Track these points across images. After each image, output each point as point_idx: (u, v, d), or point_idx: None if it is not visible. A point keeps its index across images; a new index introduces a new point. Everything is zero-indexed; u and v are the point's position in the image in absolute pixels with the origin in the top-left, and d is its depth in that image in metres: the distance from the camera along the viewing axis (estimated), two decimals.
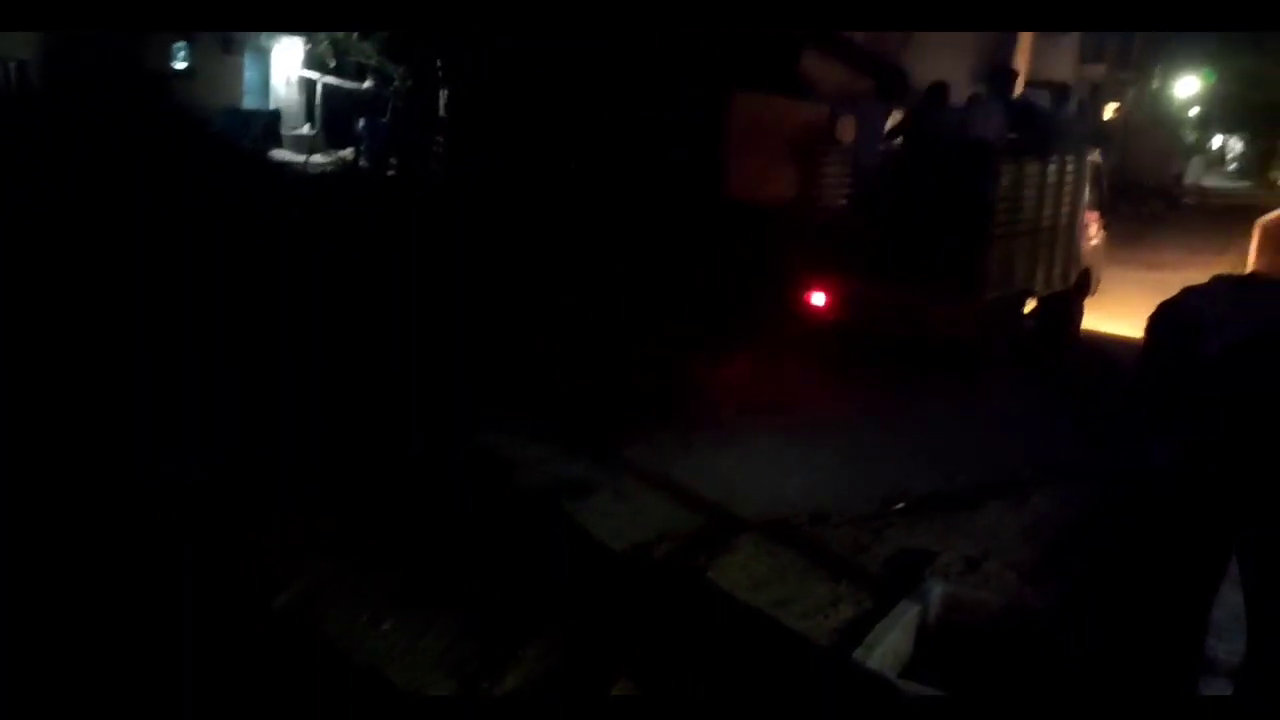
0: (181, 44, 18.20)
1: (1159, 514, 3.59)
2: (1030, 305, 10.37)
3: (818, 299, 9.20)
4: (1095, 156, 10.87)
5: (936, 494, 6.43)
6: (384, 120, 17.88)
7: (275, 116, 19.74)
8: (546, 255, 10.33)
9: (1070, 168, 10.01)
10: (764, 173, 11.03)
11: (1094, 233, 11.18)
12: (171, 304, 7.30)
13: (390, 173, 16.19)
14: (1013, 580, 5.04)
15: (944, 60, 20.93)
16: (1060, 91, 11.89)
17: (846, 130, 10.89)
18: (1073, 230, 10.30)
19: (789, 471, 6.70)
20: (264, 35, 19.65)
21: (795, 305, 9.24)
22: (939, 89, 10.11)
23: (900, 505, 6.20)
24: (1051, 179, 9.72)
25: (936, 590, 4.71)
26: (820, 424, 7.75)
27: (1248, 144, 44.34)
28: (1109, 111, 32.04)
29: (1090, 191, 10.58)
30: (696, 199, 11.71)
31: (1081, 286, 10.96)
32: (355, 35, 18.05)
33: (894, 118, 10.87)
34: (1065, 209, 10.06)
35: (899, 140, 10.25)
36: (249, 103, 19.91)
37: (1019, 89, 12.24)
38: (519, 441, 6.71)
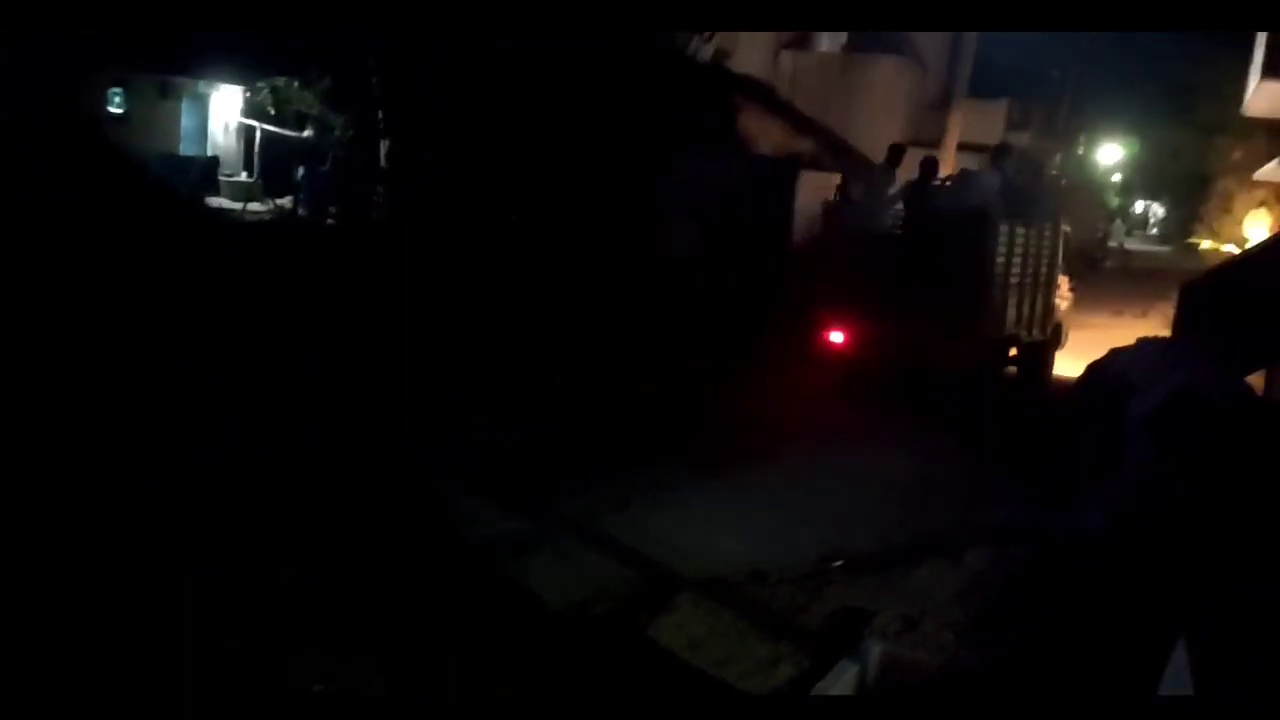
0: (118, 89, 17.98)
1: (1100, 580, 3.65)
2: (1013, 351, 11.65)
3: (837, 337, 10.83)
4: (1066, 227, 12.37)
5: (873, 553, 6.47)
6: (324, 169, 17.80)
7: (213, 163, 19.52)
8: (483, 308, 10.32)
9: (1048, 235, 11.65)
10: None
11: (1065, 293, 12.67)
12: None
13: (330, 221, 16.08)
14: (950, 641, 5.07)
15: (879, 122, 21.50)
16: (1037, 168, 14.45)
17: (858, 193, 12.26)
18: (1050, 289, 11.83)
19: (727, 529, 6.70)
20: (202, 82, 19.50)
21: (816, 343, 10.92)
22: (931, 163, 12.02)
23: (838, 564, 6.22)
24: (1034, 243, 11.28)
25: (875, 650, 4.72)
26: (757, 481, 7.79)
27: (1169, 209, 46.02)
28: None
29: (1061, 256, 12.09)
30: (633, 259, 11.87)
31: (1055, 338, 12.45)
32: (297, 84, 18.00)
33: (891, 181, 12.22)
34: (1044, 270, 11.58)
35: (900, 205, 11.50)
36: (186, 149, 19.69)
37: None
38: (457, 498, 6.63)
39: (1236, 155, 29.96)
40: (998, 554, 6.46)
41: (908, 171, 12.17)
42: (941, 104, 20.94)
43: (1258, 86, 15.41)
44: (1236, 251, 25.40)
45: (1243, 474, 6.18)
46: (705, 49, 17.99)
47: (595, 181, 14.00)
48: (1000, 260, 10.65)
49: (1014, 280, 10.98)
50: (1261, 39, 15.28)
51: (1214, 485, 6.21)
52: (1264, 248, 15.06)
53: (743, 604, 5.49)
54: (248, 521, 5.65)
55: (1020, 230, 11.00)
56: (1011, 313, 11.07)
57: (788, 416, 9.54)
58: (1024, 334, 11.42)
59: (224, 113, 20.54)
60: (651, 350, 10.00)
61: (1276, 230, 20.16)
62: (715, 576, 5.82)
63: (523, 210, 13.76)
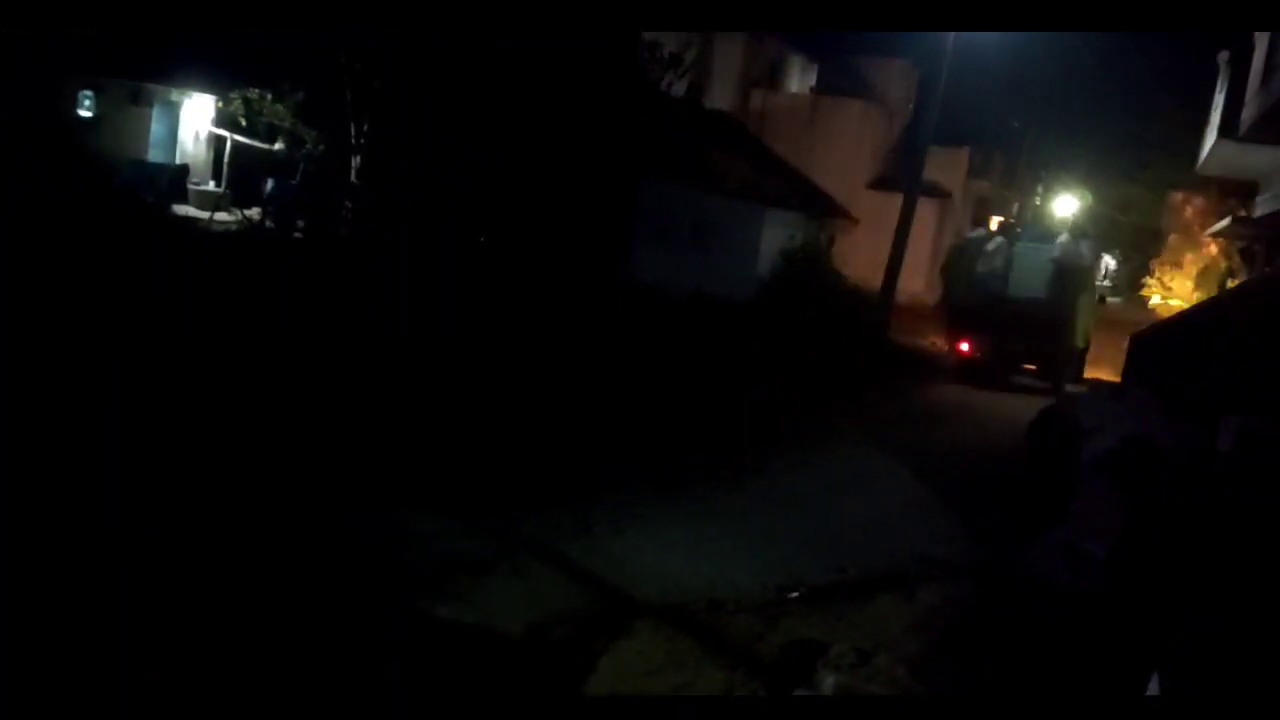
0: (89, 92, 17.82)
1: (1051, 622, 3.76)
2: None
3: (965, 347, 16.86)
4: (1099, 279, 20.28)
5: (830, 584, 6.57)
6: (293, 182, 17.75)
7: (182, 171, 19.36)
8: (450, 323, 10.33)
9: (1092, 281, 18.13)
10: None
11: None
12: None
13: (297, 234, 16.03)
14: (902, 675, 5.15)
15: (846, 163, 21.86)
16: (1082, 234, 19.40)
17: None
18: (1090, 314, 17.80)
19: (688, 554, 6.77)
20: (174, 89, 19.38)
21: (951, 351, 17.33)
22: (1011, 227, 19.79)
23: (795, 594, 6.31)
24: (1090, 287, 17.65)
25: (828, 682, 4.80)
26: (718, 506, 7.88)
27: (1121, 261, 46.96)
28: (993, 223, 33.73)
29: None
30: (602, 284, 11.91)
31: (1088, 346, 18.22)
32: (270, 96, 17.97)
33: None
34: (1089, 302, 17.70)
35: (998, 259, 17.05)
36: (155, 155, 19.52)
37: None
38: (416, 516, 6.63)
39: (1188, 212, 30.75)
40: (950, 590, 6.58)
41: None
42: (906, 148, 21.35)
43: (1213, 146, 15.93)
44: (1183, 305, 26.11)
45: (1191, 519, 6.37)
46: (680, 84, 18.23)
47: (565, 207, 14.08)
48: (1085, 298, 17.01)
49: (1082, 310, 16.96)
50: (1219, 100, 15.82)
51: (1164, 529, 6.40)
52: (1209, 305, 15.52)
53: (701, 631, 5.55)
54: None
55: (1088, 278, 17.40)
56: (1080, 330, 17.01)
57: (750, 447, 9.67)
58: (1082, 343, 17.48)
59: (195, 121, 20.42)
60: (617, 375, 10.08)
61: (1223, 288, 20.73)
62: (675, 603, 5.87)
63: (492, 232, 13.80)
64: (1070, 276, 16.59)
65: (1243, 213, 20.18)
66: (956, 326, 17.15)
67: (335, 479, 6.87)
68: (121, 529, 5.48)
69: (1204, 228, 27.99)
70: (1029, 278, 16.62)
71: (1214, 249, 26.35)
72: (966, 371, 16.64)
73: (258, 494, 6.38)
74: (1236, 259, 21.35)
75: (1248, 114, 13.56)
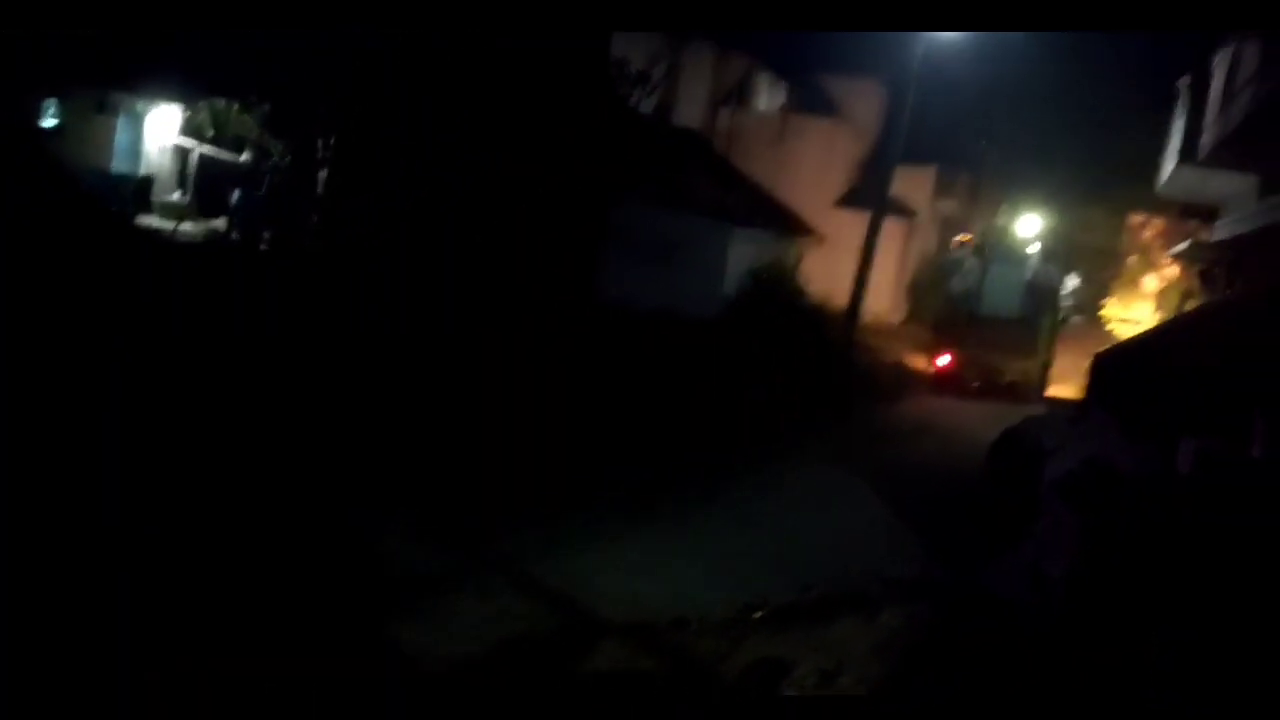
0: (52, 100, 17.59)
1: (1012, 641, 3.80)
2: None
3: (943, 361, 18.04)
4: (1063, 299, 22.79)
5: (793, 604, 6.59)
6: (259, 193, 17.60)
7: (147, 182, 19.13)
8: (417, 339, 10.28)
9: (1060, 298, 21.04)
10: None
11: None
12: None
13: (263, 246, 15.91)
14: (865, 697, 5.19)
15: (814, 181, 22.04)
16: (1050, 257, 23.19)
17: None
18: (1055, 332, 19.58)
19: (654, 573, 6.78)
20: (140, 99, 19.16)
21: (932, 364, 18.25)
22: (983, 249, 20.97)
23: (759, 614, 6.33)
24: (1055, 308, 20.33)
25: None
26: (685, 525, 7.90)
27: (1083, 281, 47.54)
28: (960, 240, 34.10)
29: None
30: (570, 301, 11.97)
31: (1052, 360, 19.32)
32: (237, 107, 17.84)
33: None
34: (1054, 321, 19.89)
35: (972, 279, 20.14)
36: (119, 166, 19.27)
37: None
38: (386, 533, 6.59)
39: (1147, 234, 31.22)
40: (912, 611, 6.62)
41: None
42: (873, 166, 21.56)
43: (1173, 171, 16.22)
44: (1142, 326, 26.59)
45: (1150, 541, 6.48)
46: (648, 101, 18.31)
47: (534, 223, 14.09)
48: (1050, 317, 19.19)
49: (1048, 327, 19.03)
50: (1179, 125, 16.12)
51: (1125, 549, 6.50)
52: (1169, 327, 15.78)
53: (665, 651, 5.55)
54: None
55: (1053, 299, 19.91)
56: (1046, 347, 18.54)
57: (717, 465, 9.71)
58: (1047, 358, 18.84)
59: (160, 131, 20.18)
60: (586, 393, 10.08)
61: (1181, 309, 21.09)
62: (639, 622, 5.88)
63: (461, 248, 13.77)
64: (1039, 296, 19.39)
65: (1203, 235, 20.55)
66: (936, 342, 18.91)
67: (306, 495, 6.82)
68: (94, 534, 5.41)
69: (1164, 249, 28.45)
70: (1001, 298, 19.18)
71: (1174, 271, 26.77)
72: (945, 383, 17.76)
73: (229, 509, 6.31)
74: (1196, 281, 21.71)
75: (1207, 139, 13.82)
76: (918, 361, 19.62)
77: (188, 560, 5.52)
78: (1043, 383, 18.41)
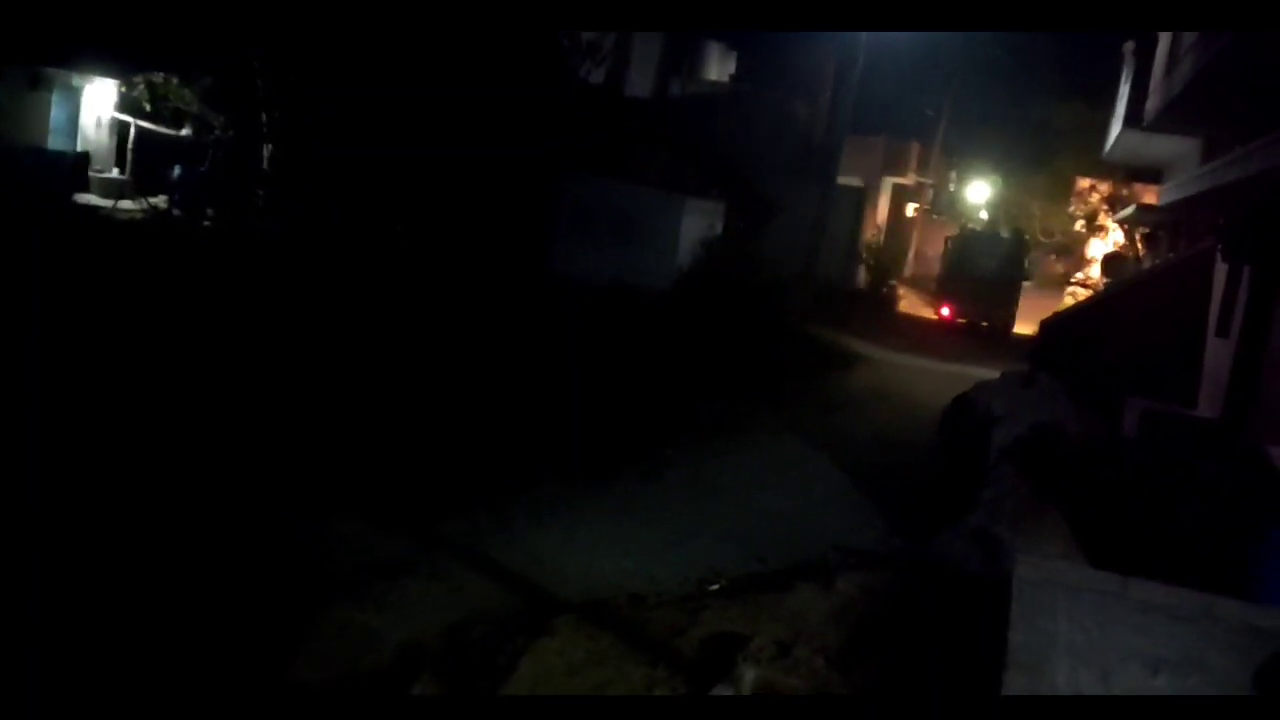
0: None
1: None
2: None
3: (945, 310, 24.63)
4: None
5: (750, 575, 6.61)
6: (201, 169, 17.24)
7: (84, 159, 18.63)
8: (368, 320, 10.14)
9: (1025, 264, 26.50)
10: None
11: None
12: None
13: (206, 223, 15.60)
14: (821, 666, 5.20)
15: (765, 151, 22.01)
16: (1015, 231, 27.89)
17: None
18: (1019, 289, 25.35)
19: (609, 549, 6.76)
20: (75, 74, 18.64)
21: (936, 312, 25.17)
22: (968, 226, 29.88)
23: (715, 586, 6.33)
24: (1027, 267, 26.75)
25: (749, 676, 4.82)
26: (640, 499, 7.88)
27: (1034, 247, 48.07)
28: (910, 209, 34.35)
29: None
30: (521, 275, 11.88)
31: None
32: (176, 81, 17.43)
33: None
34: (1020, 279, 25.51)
35: (962, 249, 25.12)
36: (55, 143, 18.75)
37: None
38: (335, 518, 6.50)
39: (1094, 199, 31.59)
40: (867, 579, 6.66)
41: None
42: (826, 136, 21.55)
43: (1119, 136, 16.38)
44: (1086, 291, 27.12)
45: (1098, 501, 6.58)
46: (597, 72, 18.13)
47: (484, 196, 13.95)
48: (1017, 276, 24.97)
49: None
50: (1124, 91, 16.27)
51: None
52: (1113, 291, 16.01)
53: (622, 627, 5.53)
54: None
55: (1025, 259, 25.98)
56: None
57: (672, 438, 9.69)
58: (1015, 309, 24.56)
59: (97, 107, 19.65)
60: (537, 367, 10.02)
61: (1117, 277, 21.44)
62: (595, 598, 5.86)
63: (408, 221, 13.60)
64: (1008, 261, 24.49)
65: (1147, 199, 20.83)
66: (940, 296, 25.50)
67: (252, 482, 6.69)
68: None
69: (1110, 214, 28.83)
70: (983, 262, 24.24)
71: (1120, 235, 27.14)
72: (946, 324, 24.47)
73: (159, 498, 6.18)
74: (1141, 245, 22.02)
75: (1152, 104, 13.94)
76: (926, 311, 26.58)
77: (116, 553, 5.41)
78: (1010, 325, 24.19)
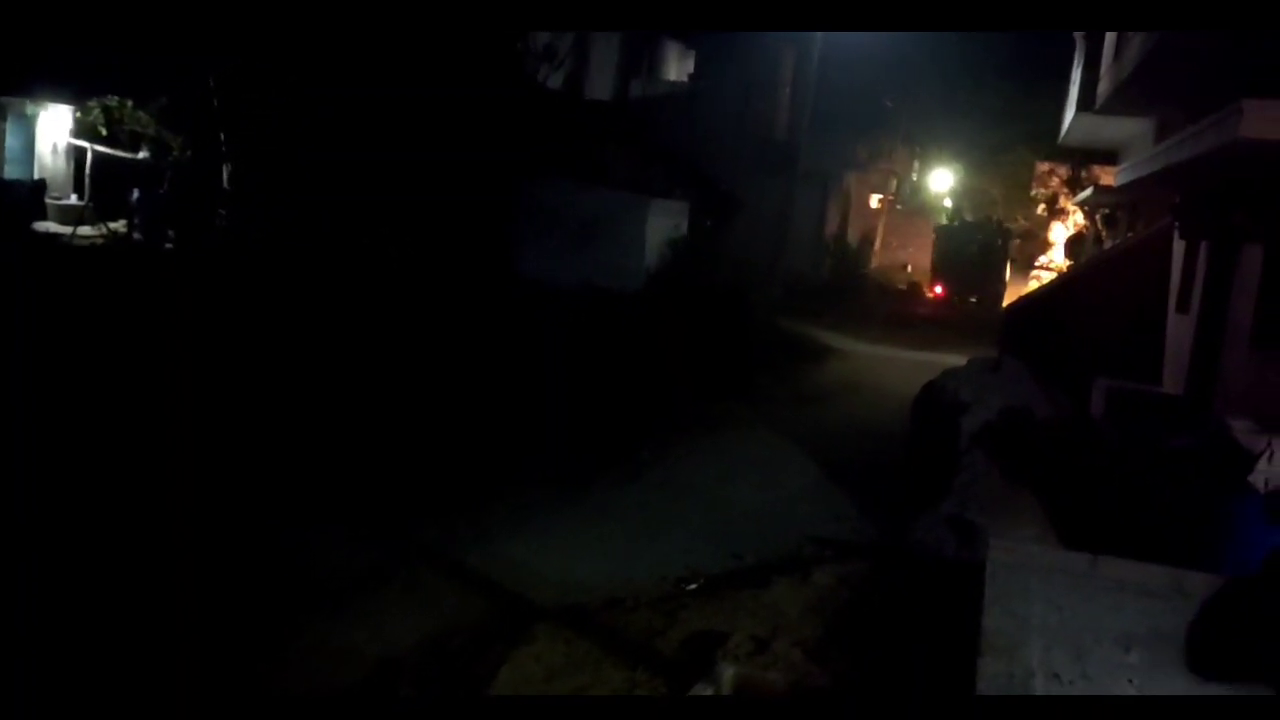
0: None
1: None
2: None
3: (939, 290, 28.35)
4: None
5: (727, 573, 6.64)
6: (160, 191, 17.06)
7: (41, 186, 18.41)
8: (337, 334, 10.09)
9: (1007, 246, 29.83)
10: None
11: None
12: None
13: (168, 245, 15.45)
14: (800, 659, 5.24)
15: (727, 150, 22.08)
16: (994, 220, 30.90)
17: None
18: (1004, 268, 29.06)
19: (585, 553, 6.77)
20: (29, 101, 18.41)
21: (931, 290, 28.79)
22: (956, 217, 32.73)
23: (693, 586, 6.36)
24: (1004, 253, 29.36)
25: (728, 673, 4.83)
26: (615, 500, 7.90)
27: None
28: (874, 201, 34.56)
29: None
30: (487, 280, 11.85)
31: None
32: (130, 104, 17.24)
33: None
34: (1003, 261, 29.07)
35: (952, 236, 29.00)
36: (11, 171, 18.54)
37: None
38: (311, 529, 6.47)
39: (1054, 182, 31.90)
40: (843, 570, 6.72)
41: None
42: (787, 130, 21.65)
43: (1073, 120, 16.56)
44: (1047, 275, 27.51)
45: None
46: (556, 75, 18.11)
47: (449, 202, 13.91)
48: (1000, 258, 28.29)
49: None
50: (1076, 76, 16.45)
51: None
52: (1074, 273, 16.16)
53: (600, 631, 5.55)
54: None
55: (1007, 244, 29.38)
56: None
57: (645, 438, 9.71)
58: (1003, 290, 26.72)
59: (52, 133, 19.44)
60: (509, 372, 10.00)
61: (1079, 259, 21.71)
62: (573, 604, 5.87)
63: (373, 232, 13.54)
64: (989, 246, 27.98)
65: (1104, 181, 21.02)
66: (933, 277, 28.79)
67: (229, 493, 6.65)
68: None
69: (1070, 197, 29.11)
70: (968, 247, 27.68)
71: (1081, 217, 27.41)
72: (940, 301, 27.64)
73: (136, 514, 6.13)
74: (1101, 226, 22.25)
75: (1103, 87, 14.10)
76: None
77: (101, 564, 5.37)
78: (999, 299, 26.28)
